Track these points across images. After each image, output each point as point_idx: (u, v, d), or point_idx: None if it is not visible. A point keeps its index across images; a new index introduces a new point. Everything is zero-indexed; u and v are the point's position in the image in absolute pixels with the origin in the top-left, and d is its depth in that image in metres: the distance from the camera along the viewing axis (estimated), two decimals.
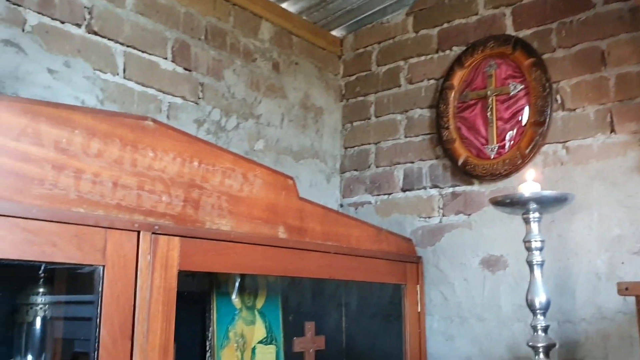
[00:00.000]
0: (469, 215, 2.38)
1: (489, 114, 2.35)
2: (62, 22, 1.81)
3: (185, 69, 2.18)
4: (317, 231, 1.90)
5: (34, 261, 1.22)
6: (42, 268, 1.45)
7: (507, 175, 2.28)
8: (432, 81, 2.58)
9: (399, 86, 2.69)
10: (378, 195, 2.68)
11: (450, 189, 2.45)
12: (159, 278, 1.40)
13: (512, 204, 1.81)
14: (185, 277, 1.47)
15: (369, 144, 2.75)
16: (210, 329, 1.91)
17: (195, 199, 1.53)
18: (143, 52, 2.04)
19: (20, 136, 1.20)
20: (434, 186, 2.50)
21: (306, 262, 1.84)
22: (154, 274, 1.39)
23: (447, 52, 2.55)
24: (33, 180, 1.21)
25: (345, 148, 2.84)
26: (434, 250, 2.44)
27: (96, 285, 1.30)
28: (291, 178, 1.83)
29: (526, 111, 2.27)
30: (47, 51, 1.76)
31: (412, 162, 2.59)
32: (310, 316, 2.31)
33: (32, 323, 1.49)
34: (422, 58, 2.63)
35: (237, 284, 2.03)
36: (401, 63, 2.70)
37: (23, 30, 1.71)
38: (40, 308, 1.50)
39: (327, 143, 2.78)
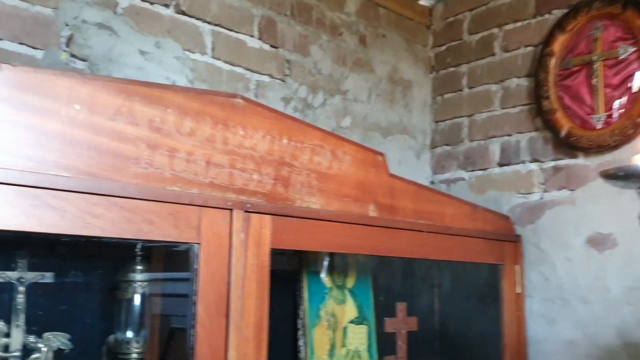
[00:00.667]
0: (573, 190, 2.21)
1: (594, 81, 2.17)
2: (152, 3, 1.83)
3: (272, 47, 2.16)
4: (409, 209, 1.84)
5: (132, 239, 1.24)
6: (140, 246, 1.48)
7: (616, 146, 2.09)
8: (529, 48, 2.41)
9: (493, 55, 2.54)
10: (472, 171, 2.56)
11: (552, 163, 2.29)
12: (252, 256, 1.40)
13: (627, 177, 1.66)
14: (275, 256, 1.45)
15: (462, 117, 2.62)
16: (302, 307, 1.90)
17: (285, 176, 1.51)
18: (230, 30, 2.03)
19: (115, 115, 1.22)
20: (534, 160, 2.35)
21: (397, 241, 1.78)
22: (247, 252, 1.39)
23: (546, 16, 2.37)
24: (129, 159, 1.23)
25: (436, 122, 2.73)
26: (534, 228, 2.30)
27: (192, 262, 1.32)
28: (381, 154, 1.77)
29: (638, 76, 2.06)
30: (138, 32, 1.79)
31: (509, 135, 2.44)
32: (401, 297, 2.26)
33: (131, 299, 1.53)
34: (519, 24, 2.46)
35: (326, 263, 2.01)
36: (495, 30, 2.54)
37: (115, 13, 1.74)
38: (139, 285, 1.54)
39: (416, 118, 2.68)
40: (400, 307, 2.17)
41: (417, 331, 2.18)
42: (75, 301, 1.50)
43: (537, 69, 2.33)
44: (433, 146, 2.73)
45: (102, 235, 1.18)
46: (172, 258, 1.56)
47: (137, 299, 1.53)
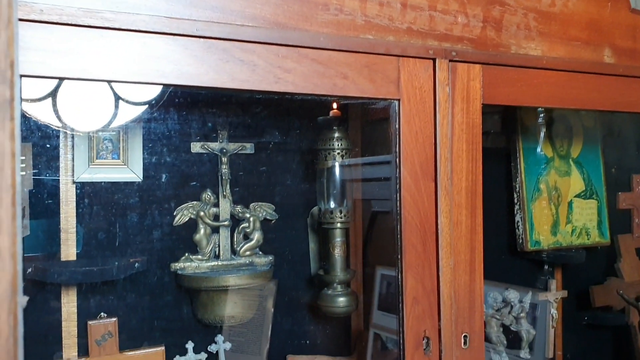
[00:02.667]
0: None
1: None
2: None
3: None
4: None
5: (326, 95, 1.12)
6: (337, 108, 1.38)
7: None
8: None
9: None
10: None
11: None
12: (460, 113, 1.21)
13: None
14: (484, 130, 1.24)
15: None
16: (518, 179, 1.68)
17: (497, 18, 1.26)
18: None
19: None
20: None
21: None
22: (455, 108, 1.20)
23: None
24: (317, 5, 1.09)
25: None
26: None
27: (392, 121, 1.17)
28: None
29: None
30: None
31: None
32: (637, 169, 1.93)
33: (332, 169, 1.46)
34: None
35: (543, 130, 1.75)
36: None
37: None
38: (338, 154, 1.45)
39: None
40: (638, 179, 1.86)
41: None
42: (275, 167, 1.47)
43: None
44: None
45: (294, 92, 1.08)
46: (370, 118, 1.44)
47: (337, 169, 1.45)
